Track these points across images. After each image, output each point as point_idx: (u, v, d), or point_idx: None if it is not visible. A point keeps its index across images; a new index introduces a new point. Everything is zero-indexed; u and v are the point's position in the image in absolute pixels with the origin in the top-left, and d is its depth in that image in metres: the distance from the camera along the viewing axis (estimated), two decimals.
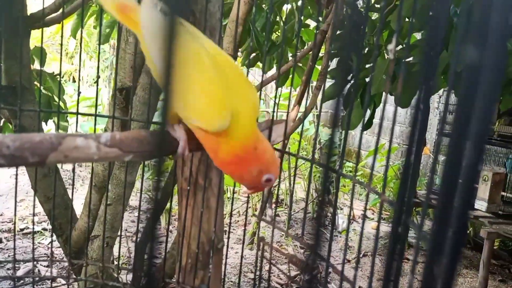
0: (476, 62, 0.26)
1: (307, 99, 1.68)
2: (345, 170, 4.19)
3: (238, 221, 3.28)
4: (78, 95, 0.64)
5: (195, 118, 0.43)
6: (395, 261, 0.42)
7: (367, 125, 1.80)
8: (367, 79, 1.64)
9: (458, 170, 0.32)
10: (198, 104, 0.43)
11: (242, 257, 0.65)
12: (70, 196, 1.13)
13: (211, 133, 0.43)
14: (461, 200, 0.31)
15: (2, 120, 1.42)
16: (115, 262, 1.48)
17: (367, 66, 1.62)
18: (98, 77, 0.61)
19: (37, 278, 0.60)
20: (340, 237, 3.24)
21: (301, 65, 1.84)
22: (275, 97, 0.69)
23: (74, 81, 5.56)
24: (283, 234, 3.09)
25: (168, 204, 1.57)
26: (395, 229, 0.37)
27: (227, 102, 0.43)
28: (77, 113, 0.58)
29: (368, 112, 1.78)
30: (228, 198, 3.27)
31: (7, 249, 2.48)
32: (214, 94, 0.43)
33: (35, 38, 2.46)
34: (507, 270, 2.92)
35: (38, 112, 0.56)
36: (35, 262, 0.74)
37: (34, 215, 0.64)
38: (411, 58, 1.48)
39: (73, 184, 0.71)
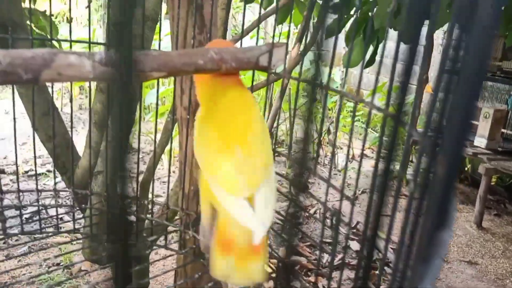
0: None
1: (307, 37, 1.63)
2: (346, 110, 4.17)
3: None
4: (70, 21, 0.62)
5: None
6: (386, 196, 0.42)
7: (369, 62, 1.76)
8: (370, 13, 1.59)
9: (456, 106, 0.31)
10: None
11: None
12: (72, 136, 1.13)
13: None
14: (455, 136, 0.30)
15: None
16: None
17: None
18: (90, 1, 0.59)
19: (42, 207, 0.62)
20: (340, 175, 3.29)
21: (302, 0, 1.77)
22: (274, 36, 0.65)
23: (68, 21, 5.39)
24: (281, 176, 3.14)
25: (169, 145, 1.58)
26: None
27: None
28: (70, 41, 0.57)
29: (371, 48, 1.73)
30: None
31: (14, 191, 2.54)
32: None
33: None
34: (503, 205, 3.00)
35: (30, 41, 0.55)
36: (41, 202, 0.75)
37: (35, 153, 0.65)
38: None
39: (71, 119, 0.70)
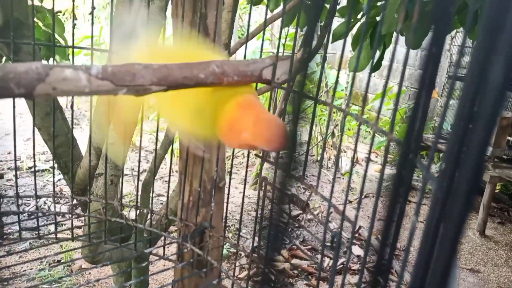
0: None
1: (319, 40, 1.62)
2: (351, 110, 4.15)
3: (242, 162, 3.32)
4: (73, 27, 0.61)
5: None
6: (399, 202, 0.41)
7: (376, 67, 1.75)
8: (378, 18, 1.58)
9: (471, 115, 0.30)
10: None
11: (244, 196, 0.65)
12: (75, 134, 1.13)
13: None
14: (477, 148, 0.29)
15: (4, 58, 1.39)
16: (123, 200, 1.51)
17: (378, 4, 1.55)
18: (93, 8, 0.58)
19: (40, 214, 0.61)
20: (343, 179, 3.28)
21: (309, 2, 1.76)
22: (280, 37, 0.63)
23: (76, 18, 5.41)
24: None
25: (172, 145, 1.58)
26: (400, 170, 0.36)
27: None
28: (73, 47, 0.56)
29: (378, 53, 1.72)
30: None
31: (13, 196, 2.54)
32: None
33: None
34: (507, 213, 2.98)
35: (33, 46, 0.54)
36: (41, 199, 0.75)
37: (34, 154, 0.64)
38: None
39: (72, 121, 0.70)
